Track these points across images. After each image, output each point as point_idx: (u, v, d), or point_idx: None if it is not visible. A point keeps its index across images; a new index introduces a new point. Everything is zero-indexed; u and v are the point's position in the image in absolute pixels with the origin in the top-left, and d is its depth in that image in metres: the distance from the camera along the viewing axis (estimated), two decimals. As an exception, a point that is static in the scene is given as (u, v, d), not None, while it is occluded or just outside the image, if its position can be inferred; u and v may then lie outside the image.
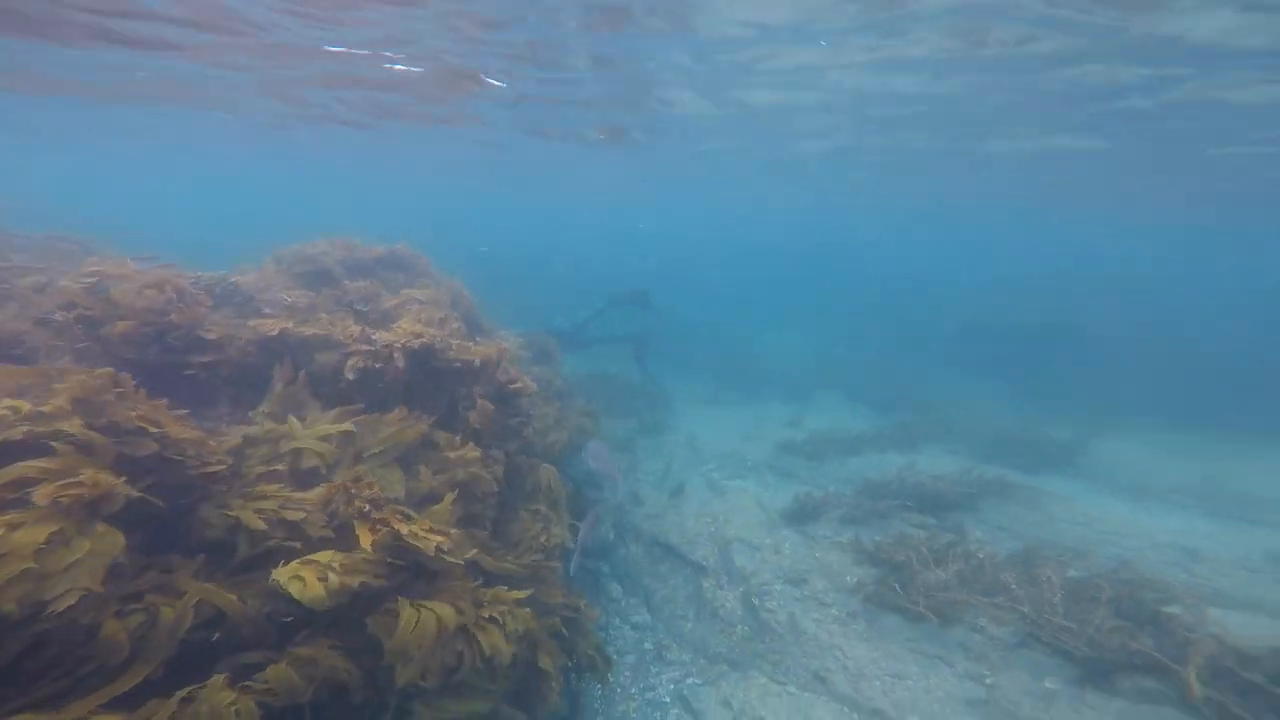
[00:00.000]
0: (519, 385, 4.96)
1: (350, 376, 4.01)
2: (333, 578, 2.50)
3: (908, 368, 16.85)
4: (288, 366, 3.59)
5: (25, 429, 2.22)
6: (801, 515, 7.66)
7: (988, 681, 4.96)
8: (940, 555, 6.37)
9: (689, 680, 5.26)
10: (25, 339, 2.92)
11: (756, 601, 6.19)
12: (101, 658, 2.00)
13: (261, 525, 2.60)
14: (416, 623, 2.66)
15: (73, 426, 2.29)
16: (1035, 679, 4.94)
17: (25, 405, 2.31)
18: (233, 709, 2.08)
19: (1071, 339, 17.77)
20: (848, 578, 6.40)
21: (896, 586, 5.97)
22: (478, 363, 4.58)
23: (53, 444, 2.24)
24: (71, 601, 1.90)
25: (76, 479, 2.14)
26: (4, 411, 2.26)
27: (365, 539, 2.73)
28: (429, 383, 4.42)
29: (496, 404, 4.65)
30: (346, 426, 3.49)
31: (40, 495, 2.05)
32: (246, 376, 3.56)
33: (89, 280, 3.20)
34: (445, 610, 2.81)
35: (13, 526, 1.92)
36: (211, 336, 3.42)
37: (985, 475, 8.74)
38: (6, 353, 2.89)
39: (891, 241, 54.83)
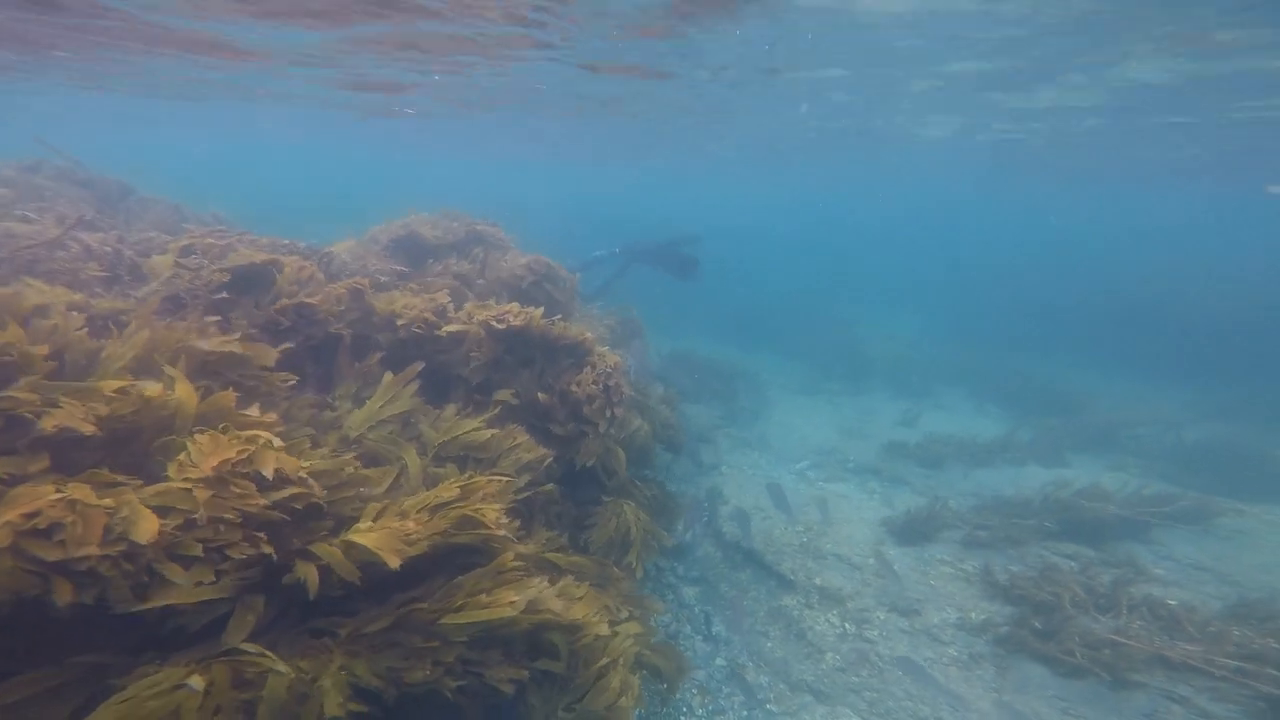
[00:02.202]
0: (611, 363, 4.69)
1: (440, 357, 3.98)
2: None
3: (1044, 363, 14.35)
4: (346, 348, 3.59)
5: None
6: (913, 532, 6.70)
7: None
8: (1107, 597, 5.17)
9: (766, 707, 4.77)
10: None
11: (853, 628, 5.49)
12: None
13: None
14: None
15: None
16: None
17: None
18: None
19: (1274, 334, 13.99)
20: (973, 613, 5.45)
21: (1039, 628, 4.94)
22: (572, 341, 4.37)
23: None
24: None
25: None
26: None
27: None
28: (515, 359, 4.29)
29: (587, 385, 4.42)
30: (401, 406, 3.41)
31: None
32: (346, 349, 3.62)
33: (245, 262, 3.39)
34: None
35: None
36: (320, 312, 3.48)
37: (1173, 498, 7.02)
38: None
39: (1015, 222, 47.52)
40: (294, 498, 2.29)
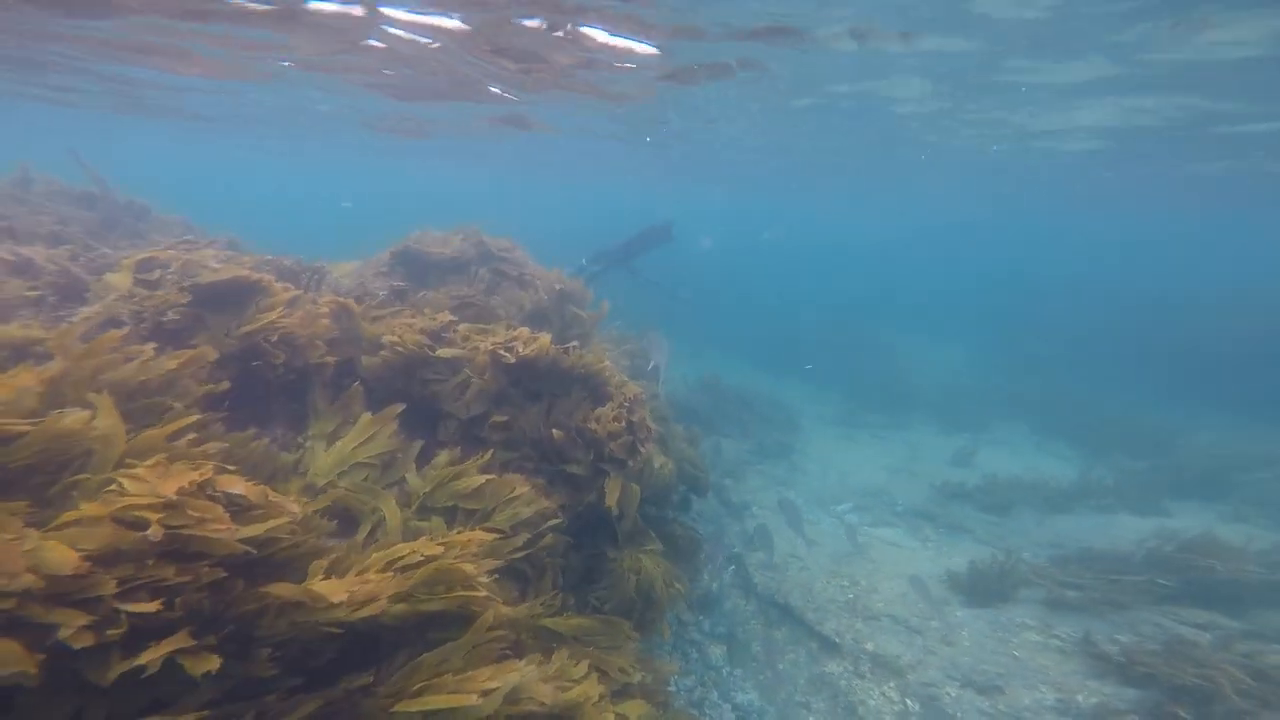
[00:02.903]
0: (632, 394, 4.20)
1: (433, 388, 3.57)
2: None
3: (1114, 395, 13.05)
4: (326, 376, 3.19)
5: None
6: (983, 590, 5.81)
7: None
8: None
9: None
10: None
11: (916, 706, 4.66)
12: None
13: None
14: None
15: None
16: None
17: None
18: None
19: None
20: (1079, 695, 4.54)
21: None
22: (587, 372, 3.91)
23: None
24: None
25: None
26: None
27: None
28: (521, 392, 3.83)
29: (608, 421, 3.94)
30: (379, 447, 2.97)
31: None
32: (317, 381, 3.24)
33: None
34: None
35: None
36: (299, 337, 3.12)
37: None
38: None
39: (1075, 240, 45.28)
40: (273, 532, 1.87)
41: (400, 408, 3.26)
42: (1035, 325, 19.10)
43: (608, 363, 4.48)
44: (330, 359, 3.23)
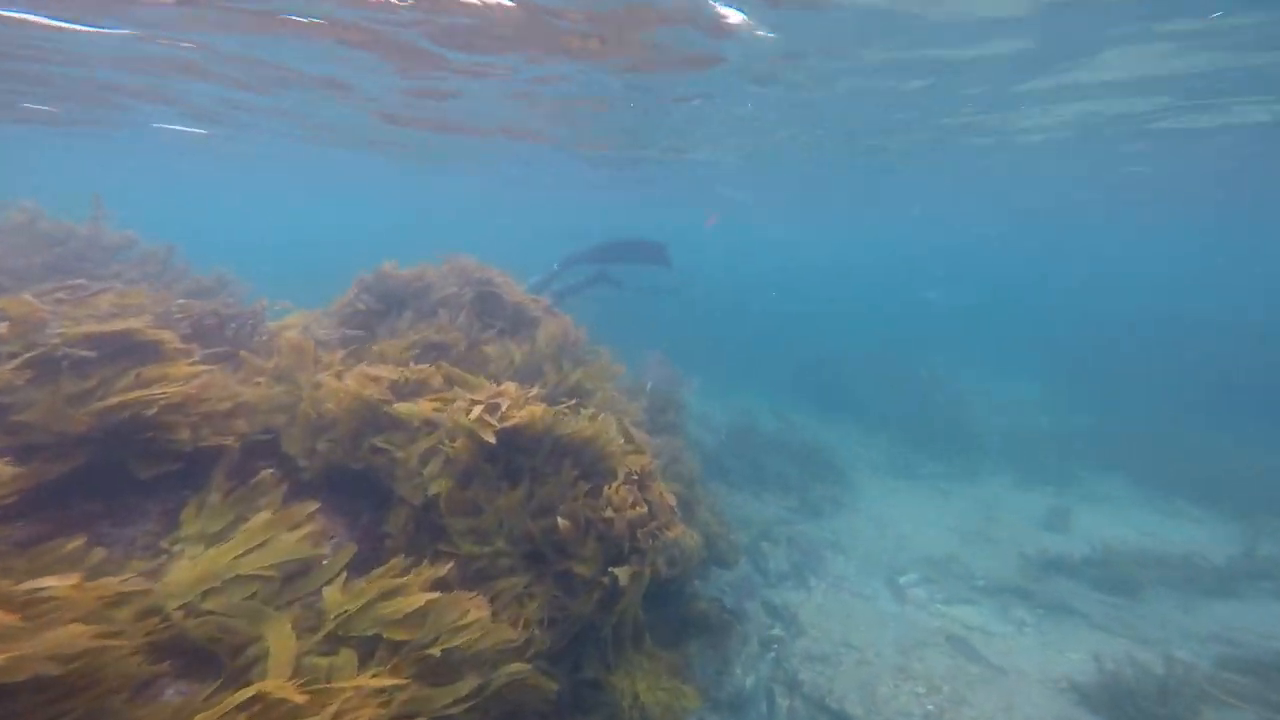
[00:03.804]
0: (641, 466, 3.35)
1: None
2: None
3: (1239, 439, 11.11)
4: (233, 459, 2.47)
5: None
6: (1132, 703, 4.40)
7: None
8: None
9: None
10: None
11: None
12: None
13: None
14: None
15: None
16: None
17: None
18: None
19: None
20: None
21: None
22: (582, 442, 3.12)
23: None
24: None
25: None
26: None
27: None
28: (499, 470, 3.05)
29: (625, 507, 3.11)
30: (278, 554, 2.19)
31: None
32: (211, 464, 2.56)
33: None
34: None
35: None
36: (192, 411, 2.46)
37: None
38: None
39: (1157, 257, 41.75)
40: None
41: (313, 506, 2.50)
42: (1118, 354, 17.09)
43: (612, 428, 3.65)
44: (231, 437, 2.53)
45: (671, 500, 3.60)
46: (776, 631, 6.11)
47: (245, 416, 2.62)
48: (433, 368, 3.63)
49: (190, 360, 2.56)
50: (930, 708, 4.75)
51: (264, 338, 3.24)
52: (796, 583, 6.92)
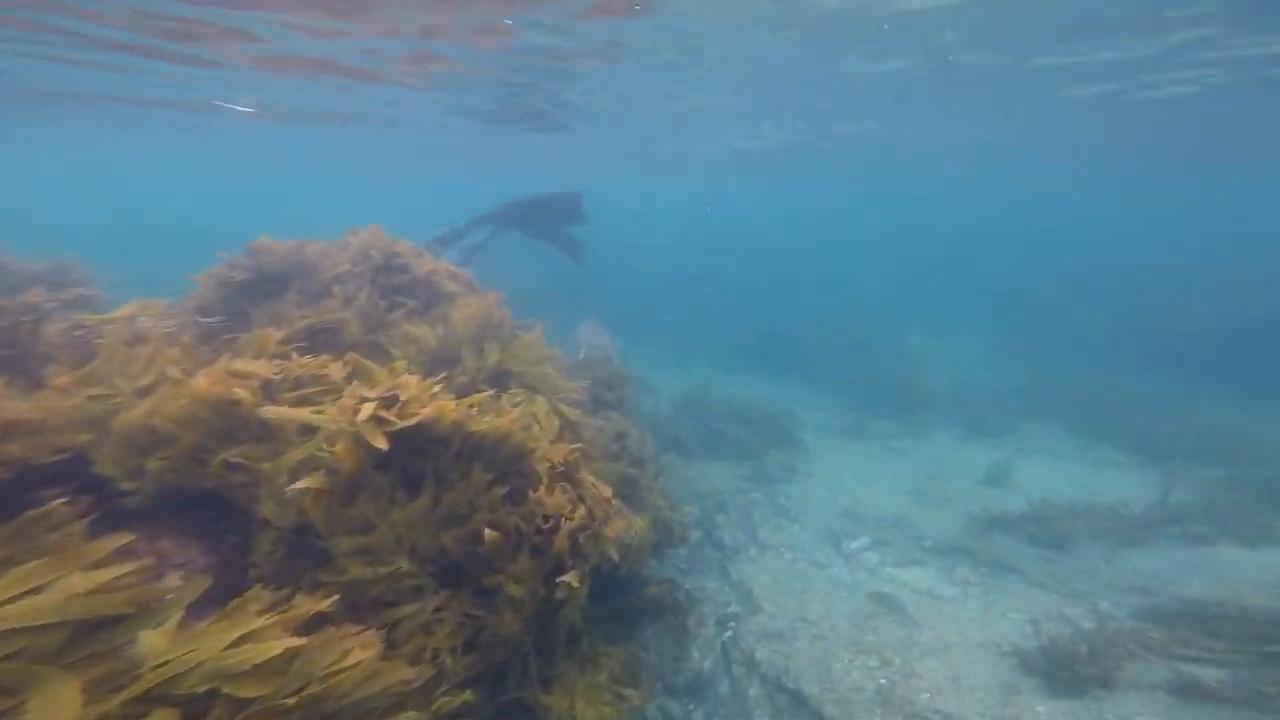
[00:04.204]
0: (564, 456, 2.92)
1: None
2: None
3: (1169, 388, 11.77)
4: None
5: None
6: (1067, 667, 4.46)
7: None
8: None
9: None
10: None
11: None
12: None
13: None
14: None
15: None
16: None
17: None
18: None
19: None
20: None
21: None
22: (493, 439, 2.64)
23: None
24: None
25: None
26: None
27: None
28: (394, 478, 2.55)
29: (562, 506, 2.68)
30: (73, 610, 1.67)
31: None
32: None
33: None
34: None
35: None
36: None
37: None
38: None
39: (1098, 213, 43.73)
40: None
41: (125, 538, 1.96)
42: (1052, 308, 17.85)
43: (541, 415, 3.21)
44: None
45: (607, 492, 3.23)
46: (733, 609, 6.01)
47: (19, 439, 2.02)
48: (320, 360, 3.05)
49: None
50: (883, 681, 4.75)
51: (69, 337, 2.57)
52: (752, 554, 6.84)
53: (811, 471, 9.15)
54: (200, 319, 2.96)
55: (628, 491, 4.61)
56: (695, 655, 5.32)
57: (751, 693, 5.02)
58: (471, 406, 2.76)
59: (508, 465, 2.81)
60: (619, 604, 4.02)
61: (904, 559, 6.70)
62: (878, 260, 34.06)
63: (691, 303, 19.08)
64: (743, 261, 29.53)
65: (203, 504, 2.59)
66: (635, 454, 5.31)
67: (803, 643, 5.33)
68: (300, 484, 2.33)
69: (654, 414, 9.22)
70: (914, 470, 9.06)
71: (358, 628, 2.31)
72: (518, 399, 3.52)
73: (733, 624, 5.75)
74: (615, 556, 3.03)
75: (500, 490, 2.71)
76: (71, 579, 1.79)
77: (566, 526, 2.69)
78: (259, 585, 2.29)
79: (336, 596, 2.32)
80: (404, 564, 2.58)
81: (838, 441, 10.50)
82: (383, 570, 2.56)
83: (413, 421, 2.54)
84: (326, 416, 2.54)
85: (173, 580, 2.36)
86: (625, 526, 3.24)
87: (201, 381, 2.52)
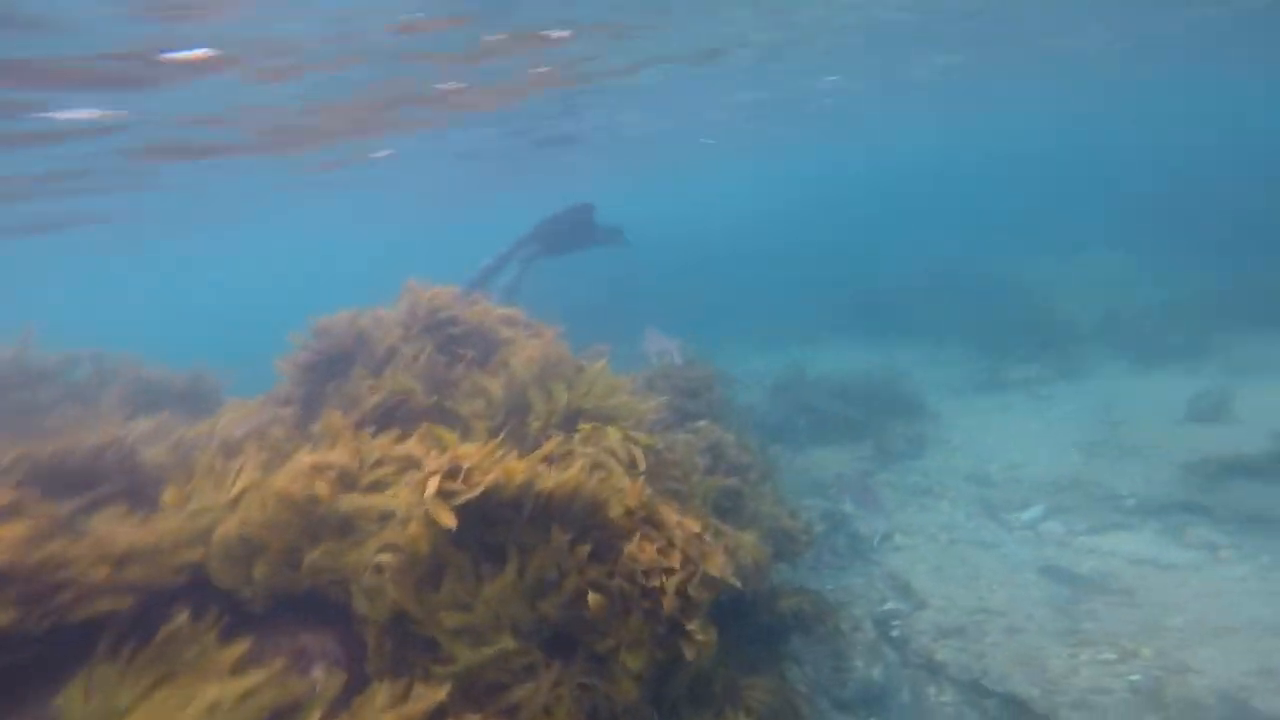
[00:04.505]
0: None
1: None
2: None
3: None
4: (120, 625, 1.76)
5: None
6: None
7: None
8: None
9: None
10: None
11: None
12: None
13: None
14: None
15: None
16: None
17: None
18: None
19: None
20: None
21: None
22: (567, 495, 2.28)
23: None
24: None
25: None
26: None
27: None
28: (472, 554, 2.26)
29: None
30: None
31: None
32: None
33: None
34: None
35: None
36: None
37: None
38: None
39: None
40: None
41: (239, 649, 1.76)
42: (1216, 203, 14.37)
43: (609, 456, 2.81)
44: (108, 597, 1.82)
45: (695, 527, 2.69)
46: (890, 605, 5.24)
47: (139, 563, 1.94)
48: (391, 438, 2.83)
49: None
50: (1136, 678, 3.74)
51: (178, 454, 2.53)
52: (897, 542, 5.96)
53: (946, 438, 7.95)
54: (278, 409, 2.87)
55: (729, 505, 4.06)
56: (859, 663, 4.66)
57: (944, 699, 4.25)
58: (541, 461, 2.41)
59: (584, 519, 2.41)
60: (751, 629, 3.51)
61: (1102, 525, 5.46)
62: (968, 200, 30.23)
63: (765, 282, 17.94)
64: (815, 229, 27.47)
65: (314, 602, 2.45)
66: (734, 461, 4.72)
67: (995, 637, 4.45)
68: (370, 576, 2.07)
69: (751, 408, 8.52)
70: (1076, 418, 7.53)
71: (478, 716, 2.04)
72: (587, 434, 3.12)
73: (896, 623, 4.99)
74: (737, 584, 2.53)
75: (584, 548, 2.32)
76: (214, 688, 1.64)
77: (671, 582, 2.24)
78: (376, 680, 2.10)
79: (450, 686, 2.04)
80: (509, 642, 2.25)
81: (969, 399, 9.11)
82: (488, 651, 2.25)
83: (478, 491, 2.23)
84: (400, 499, 2.31)
85: (318, 673, 2.24)
86: (726, 560, 2.70)
87: (280, 480, 2.38)
